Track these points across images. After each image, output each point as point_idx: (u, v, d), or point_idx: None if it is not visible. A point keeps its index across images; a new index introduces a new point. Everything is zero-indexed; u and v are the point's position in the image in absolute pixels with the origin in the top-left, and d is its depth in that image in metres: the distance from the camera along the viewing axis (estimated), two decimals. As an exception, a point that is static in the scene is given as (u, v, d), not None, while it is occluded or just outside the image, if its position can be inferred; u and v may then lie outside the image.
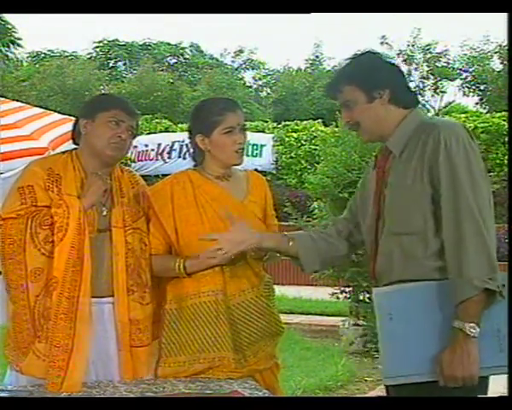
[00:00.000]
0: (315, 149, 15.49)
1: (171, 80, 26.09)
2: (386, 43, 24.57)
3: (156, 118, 19.91)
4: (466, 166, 2.30)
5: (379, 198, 2.50)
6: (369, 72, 2.48)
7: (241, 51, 31.76)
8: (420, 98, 2.73)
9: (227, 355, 2.73)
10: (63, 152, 2.83)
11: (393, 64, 2.60)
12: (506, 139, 14.19)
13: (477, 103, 26.27)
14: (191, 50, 32.65)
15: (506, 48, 20.58)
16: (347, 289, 8.08)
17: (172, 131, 17.69)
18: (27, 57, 29.40)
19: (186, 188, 2.81)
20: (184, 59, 31.86)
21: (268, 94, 29.75)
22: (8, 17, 22.71)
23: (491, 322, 2.25)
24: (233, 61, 32.20)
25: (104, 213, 2.76)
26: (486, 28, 32.14)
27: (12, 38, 24.61)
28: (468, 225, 2.25)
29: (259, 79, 32.06)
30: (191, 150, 2.93)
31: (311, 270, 2.76)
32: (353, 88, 2.47)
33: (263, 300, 2.83)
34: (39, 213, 2.64)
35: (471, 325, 2.20)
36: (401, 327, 2.35)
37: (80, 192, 2.70)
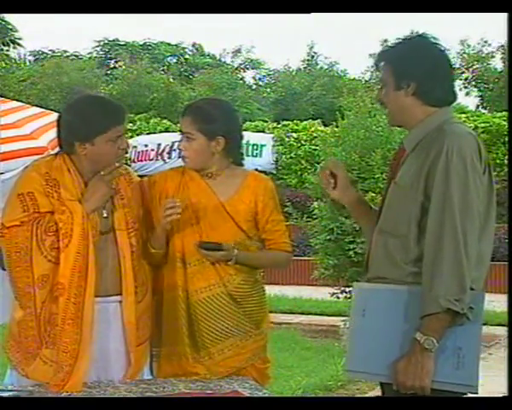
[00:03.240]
0: (315, 149, 15.49)
1: (171, 80, 26.12)
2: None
3: (154, 117, 19.90)
4: (461, 183, 2.25)
5: (386, 192, 2.50)
6: (404, 59, 2.43)
7: (243, 51, 31.78)
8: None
9: (184, 351, 2.78)
10: (55, 154, 2.80)
11: (440, 55, 2.47)
12: (506, 139, 14.19)
13: (477, 104, 26.28)
14: (191, 50, 32.67)
15: (506, 48, 20.59)
16: (347, 289, 8.09)
17: (172, 131, 17.66)
18: (28, 56, 29.44)
19: (175, 181, 2.88)
20: (184, 59, 31.88)
21: (268, 94, 29.75)
22: (8, 17, 22.72)
23: (454, 339, 2.26)
24: (232, 61, 32.22)
25: (105, 214, 2.75)
26: (487, 28, 32.14)
27: (12, 38, 24.64)
28: (447, 242, 2.23)
29: (259, 78, 32.08)
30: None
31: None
32: (387, 69, 2.45)
33: (227, 300, 2.82)
34: (44, 220, 2.62)
35: (430, 339, 2.21)
36: (371, 325, 2.37)
37: (79, 195, 2.69)
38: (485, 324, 2.34)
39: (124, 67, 26.36)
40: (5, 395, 2.51)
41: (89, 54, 30.71)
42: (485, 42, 25.06)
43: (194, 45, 32.91)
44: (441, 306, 2.20)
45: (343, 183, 2.65)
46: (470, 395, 2.31)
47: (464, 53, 25.59)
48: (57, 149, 2.82)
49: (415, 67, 2.41)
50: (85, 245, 2.61)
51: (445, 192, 2.26)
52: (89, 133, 2.68)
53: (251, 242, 2.89)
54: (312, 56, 29.91)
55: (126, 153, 2.78)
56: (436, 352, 2.22)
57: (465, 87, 25.60)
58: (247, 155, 15.45)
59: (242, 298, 2.85)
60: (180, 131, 2.88)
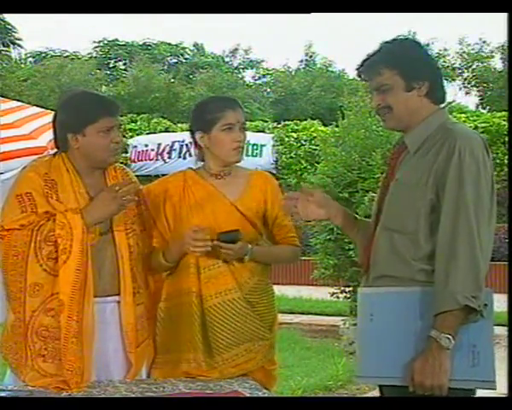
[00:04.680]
0: (315, 149, 15.50)
1: (172, 80, 26.13)
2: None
3: (155, 117, 19.90)
4: (474, 182, 2.28)
5: (385, 190, 2.49)
6: (414, 61, 2.43)
7: (241, 50, 31.82)
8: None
9: (197, 358, 2.75)
10: (53, 154, 2.80)
11: (432, 57, 2.57)
12: (506, 139, 14.20)
13: (477, 103, 26.29)
14: (193, 50, 32.66)
15: (506, 48, 20.58)
16: (347, 289, 8.09)
17: (172, 131, 17.69)
18: (28, 56, 29.44)
19: (178, 186, 2.84)
20: (184, 59, 31.88)
21: (268, 94, 29.77)
22: (8, 17, 22.74)
23: (468, 336, 2.26)
24: (230, 61, 32.23)
25: None
26: (486, 28, 32.15)
27: (12, 38, 24.65)
28: (463, 241, 2.24)
29: (259, 78, 32.10)
30: (194, 149, 2.94)
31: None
32: (394, 73, 2.41)
33: (241, 305, 2.79)
34: (45, 226, 2.61)
35: (447, 336, 2.21)
36: (380, 329, 2.36)
37: (77, 194, 2.68)
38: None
39: (135, 69, 26.31)
40: (5, 394, 2.50)
41: (89, 54, 30.72)
42: (485, 41, 25.09)
43: (195, 45, 32.90)
44: (459, 302, 2.20)
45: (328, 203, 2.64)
46: (470, 396, 2.31)
47: (463, 53, 25.59)
48: (56, 149, 2.82)
49: (425, 66, 2.44)
50: (84, 261, 2.60)
51: (459, 190, 2.27)
52: (79, 123, 2.68)
53: (261, 239, 2.88)
54: (311, 56, 29.95)
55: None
56: (451, 350, 2.22)
57: (465, 87, 25.60)
58: (247, 155, 15.47)
59: (256, 301, 2.83)
60: (230, 123, 2.78)
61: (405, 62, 2.42)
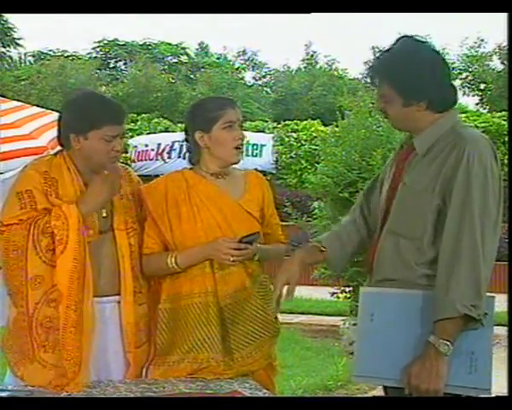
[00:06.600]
0: (315, 149, 15.49)
1: (172, 80, 26.14)
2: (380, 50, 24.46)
3: (156, 117, 19.91)
4: (482, 189, 2.26)
5: (393, 193, 2.47)
6: (410, 79, 2.34)
7: (244, 52, 31.86)
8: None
9: (215, 357, 2.72)
10: (55, 153, 2.80)
11: (438, 59, 2.43)
12: (506, 139, 14.20)
13: (477, 103, 26.29)
14: (198, 49, 32.67)
15: (506, 48, 20.59)
16: (347, 289, 8.09)
17: (172, 131, 17.68)
18: (28, 56, 29.47)
19: (180, 186, 2.81)
20: (185, 59, 31.89)
21: (268, 94, 29.78)
22: (8, 17, 22.75)
23: (467, 343, 2.26)
24: (234, 62, 32.25)
25: (104, 214, 2.74)
26: (485, 28, 32.13)
27: (12, 38, 24.66)
28: (466, 248, 2.24)
29: (259, 78, 32.12)
30: (187, 150, 2.92)
31: (339, 269, 2.72)
32: (391, 90, 2.37)
33: (256, 301, 2.80)
34: (42, 220, 2.62)
35: (445, 343, 2.21)
36: (380, 330, 2.36)
37: (78, 193, 2.68)
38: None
39: (134, 69, 26.35)
40: (5, 394, 2.50)
41: (89, 54, 30.74)
42: (483, 40, 25.09)
43: (200, 44, 32.91)
44: (458, 311, 2.19)
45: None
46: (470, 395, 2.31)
47: (463, 53, 25.59)
48: (57, 149, 2.82)
49: (424, 83, 2.34)
50: (82, 251, 2.60)
51: (465, 197, 2.26)
52: (83, 126, 2.67)
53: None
54: (311, 55, 29.98)
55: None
56: (449, 356, 2.22)
57: (464, 87, 25.59)
58: (247, 155, 15.48)
59: (265, 297, 2.84)
60: (230, 121, 2.77)
61: (402, 81, 2.35)
